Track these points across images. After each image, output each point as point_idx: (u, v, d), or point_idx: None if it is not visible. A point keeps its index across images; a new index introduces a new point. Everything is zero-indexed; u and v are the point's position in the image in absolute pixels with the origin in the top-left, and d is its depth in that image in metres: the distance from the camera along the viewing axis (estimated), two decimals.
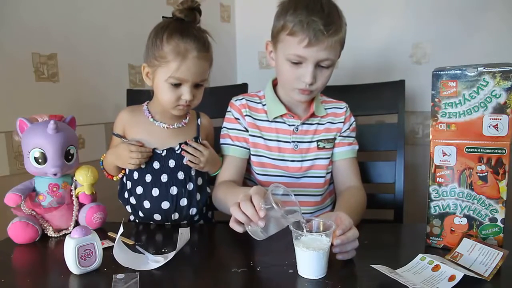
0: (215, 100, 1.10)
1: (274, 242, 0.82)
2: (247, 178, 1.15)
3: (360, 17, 1.54)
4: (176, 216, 1.04)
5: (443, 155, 0.83)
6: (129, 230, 1.00)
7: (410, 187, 1.34)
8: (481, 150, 0.79)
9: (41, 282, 0.74)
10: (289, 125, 1.08)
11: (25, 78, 1.21)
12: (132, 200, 1.05)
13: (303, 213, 0.76)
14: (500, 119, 0.77)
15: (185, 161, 1.02)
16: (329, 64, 0.97)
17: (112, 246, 0.76)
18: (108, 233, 0.94)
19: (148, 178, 1.02)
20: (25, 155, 0.94)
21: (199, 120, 1.11)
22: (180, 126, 1.06)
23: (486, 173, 0.79)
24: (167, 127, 1.04)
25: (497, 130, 0.78)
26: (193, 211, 1.06)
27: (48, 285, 0.74)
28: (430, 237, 0.86)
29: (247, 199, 0.74)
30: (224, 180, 1.07)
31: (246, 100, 1.10)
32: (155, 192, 1.02)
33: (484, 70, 0.78)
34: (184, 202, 1.04)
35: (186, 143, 1.03)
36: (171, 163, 1.02)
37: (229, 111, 1.12)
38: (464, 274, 0.66)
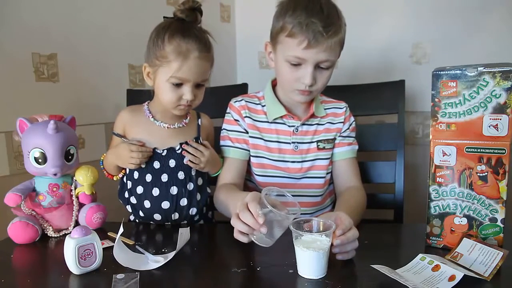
0: (215, 100, 1.10)
1: (274, 242, 0.82)
2: (247, 179, 1.15)
3: (360, 17, 1.55)
4: (176, 216, 1.04)
5: (443, 155, 0.83)
6: (129, 230, 1.00)
7: (410, 187, 1.34)
8: (481, 150, 0.79)
9: (41, 282, 0.74)
10: (289, 126, 1.08)
11: (25, 78, 1.21)
12: (133, 200, 1.05)
13: (303, 214, 0.76)
14: (500, 119, 0.77)
15: (185, 161, 1.02)
16: (328, 65, 0.97)
17: (112, 246, 0.76)
18: (108, 233, 0.94)
19: (149, 177, 1.02)
20: (25, 155, 0.94)
21: (199, 120, 1.11)
22: (181, 126, 1.06)
23: (486, 173, 0.79)
24: (167, 127, 1.04)
25: (497, 130, 0.78)
26: (193, 211, 1.06)
27: (48, 285, 0.74)
28: (430, 237, 0.86)
29: (244, 208, 0.74)
30: (225, 182, 1.07)
31: (246, 101, 1.10)
32: (155, 192, 1.02)
33: (484, 70, 0.78)
34: (184, 202, 1.04)
35: (186, 143, 1.03)
36: (172, 163, 1.02)
37: (229, 113, 1.12)
38: (464, 274, 0.66)
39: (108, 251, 0.78)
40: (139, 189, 1.03)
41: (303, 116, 1.08)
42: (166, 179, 1.02)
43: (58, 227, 0.97)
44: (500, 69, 0.77)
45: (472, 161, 0.80)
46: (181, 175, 1.03)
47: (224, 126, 1.12)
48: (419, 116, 1.61)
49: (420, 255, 0.74)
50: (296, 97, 1.02)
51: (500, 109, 0.77)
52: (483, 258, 0.74)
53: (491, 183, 0.79)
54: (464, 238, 0.80)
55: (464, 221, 0.82)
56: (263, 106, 1.10)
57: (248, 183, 1.15)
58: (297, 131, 1.08)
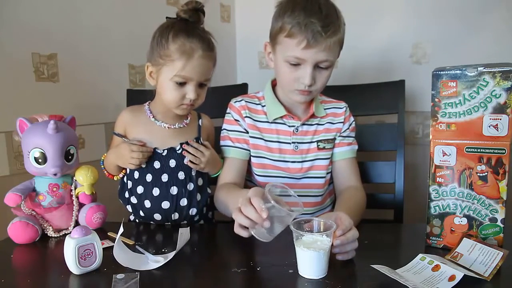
0: (215, 100, 1.10)
1: (274, 242, 0.82)
2: (247, 180, 1.15)
3: (360, 17, 1.55)
4: (176, 216, 1.04)
5: (443, 155, 0.83)
6: (129, 230, 1.00)
7: (410, 187, 1.34)
8: (481, 150, 0.79)
9: (41, 282, 0.74)
10: (289, 126, 1.08)
11: (25, 78, 1.21)
12: (133, 200, 1.05)
13: (303, 214, 0.76)
14: (500, 119, 0.77)
15: (185, 161, 1.02)
16: (328, 65, 0.97)
17: (112, 246, 0.76)
18: (108, 233, 0.94)
19: (149, 177, 1.02)
20: (25, 155, 0.94)
21: (200, 120, 1.11)
22: (181, 126, 1.06)
23: (486, 173, 0.79)
24: (168, 127, 1.04)
25: (497, 130, 0.78)
26: (193, 211, 1.06)
27: (48, 285, 0.74)
28: (430, 237, 0.86)
29: (247, 202, 0.74)
30: (225, 182, 1.07)
31: (246, 101, 1.10)
32: (156, 191, 1.02)
33: (484, 70, 0.78)
34: (184, 202, 1.04)
35: (187, 143, 1.03)
36: (172, 163, 1.02)
37: (229, 113, 1.12)
38: (464, 274, 0.66)
39: (108, 251, 0.78)
40: (139, 189, 1.03)
41: (303, 116, 1.08)
42: (166, 179, 1.02)
43: (58, 227, 0.97)
44: (500, 69, 0.77)
45: (472, 161, 0.80)
46: (181, 175, 1.03)
47: (224, 126, 1.12)
48: (419, 116, 1.61)
49: (420, 255, 0.74)
50: (296, 97, 1.02)
51: (500, 109, 0.77)
52: (483, 258, 0.74)
53: (491, 183, 0.79)
54: (464, 238, 0.80)
55: (464, 221, 0.82)
56: (263, 106, 1.10)
57: (248, 183, 1.15)
58: (297, 131, 1.08)
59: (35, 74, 1.23)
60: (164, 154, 1.02)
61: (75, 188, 1.00)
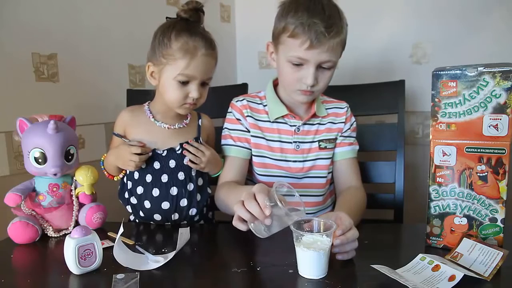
0: (215, 100, 1.10)
1: (274, 242, 0.82)
2: (248, 179, 1.15)
3: (360, 18, 1.54)
4: (176, 216, 1.04)
5: (443, 155, 0.83)
6: (129, 230, 1.00)
7: (410, 187, 1.34)
8: (481, 150, 0.79)
9: (41, 282, 0.74)
10: (290, 125, 1.08)
11: (25, 78, 1.21)
12: (133, 200, 1.05)
13: (306, 213, 0.76)
14: (500, 119, 0.77)
15: (185, 161, 1.02)
16: (330, 66, 0.97)
17: (112, 246, 0.76)
18: (108, 233, 0.94)
19: (149, 178, 1.02)
20: (25, 155, 0.94)
21: (200, 120, 1.11)
22: (181, 126, 1.06)
23: (486, 173, 0.79)
24: (168, 127, 1.04)
25: (497, 130, 0.78)
26: (193, 211, 1.06)
27: (48, 285, 0.74)
28: (430, 237, 0.86)
29: (251, 197, 0.74)
30: (226, 181, 1.07)
31: (247, 101, 1.10)
32: (155, 192, 1.02)
33: (484, 70, 0.78)
34: (184, 202, 1.04)
35: (187, 143, 1.03)
36: (172, 163, 1.02)
37: (230, 112, 1.12)
38: (464, 274, 0.66)
39: (108, 251, 0.78)
40: (139, 190, 1.03)
41: (304, 116, 1.08)
42: (166, 180, 1.02)
43: (58, 227, 0.97)
44: (500, 69, 0.77)
45: (472, 161, 0.80)
46: (181, 175, 1.03)
47: (226, 125, 1.12)
48: (419, 116, 1.61)
49: (420, 255, 0.74)
50: (298, 97, 1.02)
51: (500, 109, 0.77)
52: (483, 258, 0.74)
53: (491, 183, 0.79)
54: (464, 238, 0.80)
55: (464, 221, 0.82)
56: (264, 105, 1.10)
57: (249, 182, 1.15)
58: (298, 131, 1.08)
59: (35, 74, 1.23)
60: (163, 154, 1.02)
61: (75, 188, 1.00)
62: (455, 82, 0.80)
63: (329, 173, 1.11)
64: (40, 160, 0.93)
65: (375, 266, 0.68)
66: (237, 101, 1.11)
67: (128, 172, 1.06)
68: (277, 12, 1.00)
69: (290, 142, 1.08)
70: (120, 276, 0.71)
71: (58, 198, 0.97)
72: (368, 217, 1.11)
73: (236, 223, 0.79)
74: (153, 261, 0.77)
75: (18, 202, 0.92)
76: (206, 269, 0.77)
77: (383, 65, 1.60)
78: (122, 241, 0.80)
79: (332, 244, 0.73)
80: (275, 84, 1.11)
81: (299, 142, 1.08)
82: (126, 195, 1.07)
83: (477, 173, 0.80)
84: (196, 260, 0.82)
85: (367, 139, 1.27)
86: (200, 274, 0.76)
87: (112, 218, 1.03)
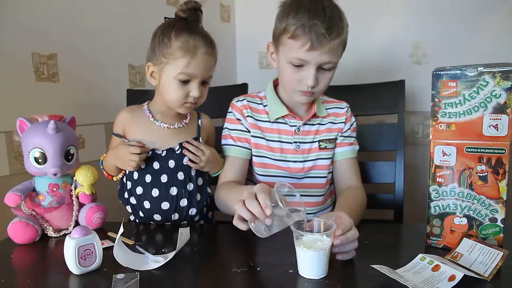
0: (215, 100, 1.10)
1: (274, 242, 0.82)
2: (248, 179, 1.15)
3: (360, 18, 1.54)
4: (176, 216, 1.04)
5: (443, 155, 0.83)
6: (129, 230, 1.00)
7: (410, 187, 1.34)
8: (481, 150, 0.79)
9: (41, 282, 0.74)
10: (290, 125, 1.08)
11: (25, 78, 1.21)
12: (133, 200, 1.05)
13: (306, 213, 0.76)
14: (500, 119, 0.77)
15: (185, 161, 1.02)
16: (331, 67, 0.97)
17: (112, 246, 0.76)
18: (108, 233, 0.94)
19: (148, 178, 1.02)
20: (25, 155, 0.94)
21: (199, 120, 1.11)
22: (181, 126, 1.06)
23: (486, 173, 0.79)
24: (167, 127, 1.04)
25: (497, 130, 0.78)
26: (193, 211, 1.06)
27: (48, 285, 0.74)
28: (430, 237, 0.86)
29: (252, 196, 0.74)
30: (226, 180, 1.07)
31: (247, 101, 1.10)
32: (155, 192, 1.02)
33: (484, 70, 0.78)
34: (184, 202, 1.04)
35: (188, 142, 1.02)
36: (171, 163, 1.02)
37: (230, 112, 1.12)
38: (464, 274, 0.66)
39: (108, 251, 0.78)
40: (139, 190, 1.03)
41: (305, 116, 1.08)
42: (166, 180, 1.02)
43: (58, 227, 0.97)
44: (500, 69, 0.77)
45: (472, 161, 0.80)
46: (180, 175, 1.03)
47: (226, 125, 1.12)
48: (419, 116, 1.61)
49: (420, 255, 0.74)
50: (298, 98, 1.02)
51: (500, 109, 0.77)
52: (483, 258, 0.74)
53: (491, 183, 0.79)
54: (464, 238, 0.80)
55: (464, 221, 0.82)
56: (265, 106, 1.10)
57: (249, 183, 1.15)
58: (298, 131, 1.08)
59: (35, 74, 1.23)
60: (163, 154, 1.02)
61: (75, 188, 1.00)
62: (455, 82, 0.80)
63: (329, 173, 1.11)
64: (40, 160, 0.93)
65: (375, 266, 0.68)
66: (237, 101, 1.11)
67: (127, 172, 1.05)
68: (278, 12, 1.00)
69: (290, 143, 1.08)
70: (120, 276, 0.71)
71: (58, 198, 0.97)
72: (368, 217, 1.11)
73: (236, 222, 0.79)
74: (153, 261, 0.77)
75: (18, 202, 0.92)
76: (206, 269, 0.77)
77: (383, 65, 1.60)
78: (122, 241, 0.80)
79: (332, 244, 0.73)
80: (275, 84, 1.11)
81: (299, 142, 1.08)
82: (126, 195, 1.07)
83: (477, 173, 0.80)
84: (196, 260, 0.82)
85: (367, 139, 1.27)
86: (200, 274, 0.76)
87: (112, 218, 1.03)
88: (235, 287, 0.71)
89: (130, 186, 1.05)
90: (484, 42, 1.47)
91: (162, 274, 0.74)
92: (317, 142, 1.09)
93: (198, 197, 1.06)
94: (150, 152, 1.01)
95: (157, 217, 1.03)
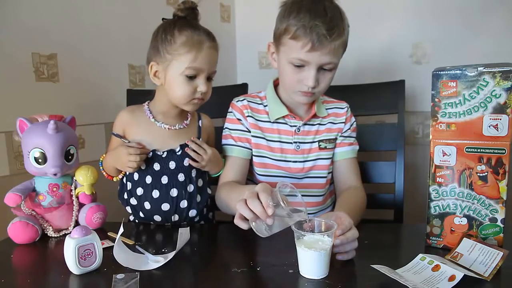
0: (215, 100, 1.10)
1: (274, 242, 0.82)
2: (248, 179, 1.15)
3: (360, 18, 1.53)
4: (176, 217, 1.04)
5: (443, 155, 0.83)
6: (129, 230, 1.00)
7: (410, 187, 1.34)
8: (481, 150, 0.79)
9: (41, 282, 0.74)
10: (290, 126, 1.08)
11: (25, 78, 1.21)
12: (133, 201, 1.05)
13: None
14: (500, 119, 0.77)
15: (186, 163, 1.02)
16: (331, 67, 0.97)
17: (112, 246, 0.76)
18: (108, 233, 0.94)
19: (148, 179, 1.02)
20: (25, 155, 0.94)
21: (200, 121, 1.11)
22: (182, 127, 1.06)
23: (486, 173, 0.79)
24: (168, 128, 1.04)
25: (497, 130, 0.78)
26: (192, 212, 1.06)
27: (48, 285, 0.74)
28: (430, 237, 0.86)
29: (254, 196, 0.74)
30: (227, 180, 1.07)
31: (248, 101, 1.10)
32: (155, 193, 1.02)
33: (484, 70, 0.78)
34: (184, 204, 1.04)
35: (190, 140, 1.02)
36: (172, 164, 1.02)
37: (231, 112, 1.12)
38: (464, 274, 0.66)
39: (108, 251, 0.78)
40: (139, 191, 1.03)
41: (305, 116, 1.08)
42: (166, 181, 1.02)
43: (58, 227, 0.97)
44: (500, 69, 0.77)
45: (472, 161, 0.80)
46: (181, 177, 1.03)
47: (226, 125, 1.12)
48: (419, 116, 1.61)
49: (420, 255, 0.74)
50: (299, 98, 1.02)
51: (500, 109, 0.77)
52: (483, 258, 0.74)
53: (491, 183, 0.79)
54: (464, 238, 0.80)
55: (464, 221, 0.82)
56: (265, 106, 1.10)
57: (249, 183, 1.15)
58: (299, 131, 1.08)
59: (35, 74, 1.23)
60: (163, 156, 1.02)
61: (75, 188, 1.00)
62: (455, 82, 0.80)
63: (329, 173, 1.11)
64: (40, 160, 0.93)
65: (375, 266, 0.68)
66: (237, 101, 1.11)
67: (127, 173, 1.05)
68: (279, 12, 0.99)
69: (291, 143, 1.08)
70: (120, 276, 0.71)
71: (58, 198, 0.97)
72: (368, 217, 1.11)
73: (237, 221, 0.78)
74: (153, 261, 0.77)
75: (18, 202, 0.92)
76: (206, 269, 0.77)
77: (383, 65, 1.60)
78: (122, 241, 0.80)
79: (333, 244, 0.73)
80: (276, 84, 1.11)
81: (299, 142, 1.08)
82: (126, 196, 1.07)
83: (477, 173, 0.80)
84: (196, 260, 0.82)
85: (367, 139, 1.27)
86: (200, 274, 0.76)
87: (112, 218, 1.03)
88: (235, 287, 0.71)
89: (130, 187, 1.05)
90: (484, 42, 1.47)
91: (162, 274, 0.74)
92: (317, 142, 1.09)
93: (198, 198, 1.06)
94: (151, 153, 1.01)
95: (157, 217, 1.03)
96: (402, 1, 1.57)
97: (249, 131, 1.09)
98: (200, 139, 1.08)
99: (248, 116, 1.08)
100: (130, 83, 1.50)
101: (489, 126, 0.78)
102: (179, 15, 1.00)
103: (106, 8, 1.40)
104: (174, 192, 1.03)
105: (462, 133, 0.81)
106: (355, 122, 1.14)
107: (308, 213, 1.07)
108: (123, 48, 1.46)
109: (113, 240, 0.80)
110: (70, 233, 0.77)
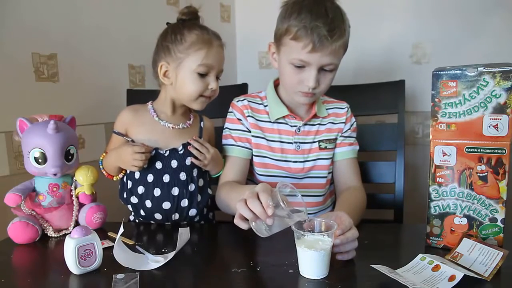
0: (215, 100, 1.10)
1: (274, 242, 0.82)
2: (248, 179, 1.15)
3: (360, 18, 1.53)
4: (176, 216, 1.04)
5: (443, 155, 0.83)
6: (129, 230, 1.00)
7: (410, 187, 1.34)
8: (481, 150, 0.79)
9: (41, 282, 0.74)
10: (291, 126, 1.08)
11: (25, 78, 1.21)
12: (134, 200, 1.05)
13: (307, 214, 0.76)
14: (500, 119, 0.77)
15: (188, 161, 1.02)
16: (332, 68, 0.97)
17: (112, 246, 0.76)
18: (108, 233, 0.94)
19: (150, 178, 1.02)
20: (25, 155, 0.94)
21: (202, 123, 1.12)
22: (185, 127, 1.07)
23: (486, 173, 0.79)
24: (172, 127, 1.05)
25: (497, 130, 0.78)
26: (193, 212, 1.06)
27: (48, 285, 0.74)
28: (430, 237, 0.86)
29: (254, 196, 0.73)
30: (227, 180, 1.07)
31: (248, 101, 1.10)
32: (157, 192, 1.02)
33: (484, 70, 0.78)
34: (185, 203, 1.04)
35: (193, 139, 1.03)
36: (174, 163, 1.02)
37: (231, 112, 1.12)
38: (464, 274, 0.66)
39: (108, 251, 0.78)
40: (140, 189, 1.04)
41: (305, 116, 1.08)
42: (168, 180, 1.02)
43: (58, 227, 0.97)
44: (500, 69, 0.77)
45: (472, 161, 0.80)
46: (182, 176, 1.03)
47: (227, 125, 1.12)
48: (419, 116, 1.61)
49: (420, 255, 0.74)
50: (299, 99, 1.02)
51: (500, 109, 0.77)
52: (483, 258, 0.74)
53: (491, 183, 0.79)
54: (464, 238, 0.80)
55: (464, 221, 0.82)
56: (265, 106, 1.10)
57: (249, 183, 1.15)
58: (299, 131, 1.08)
59: (35, 74, 1.23)
60: (166, 154, 1.02)
61: (75, 188, 1.00)
62: (455, 82, 0.81)
63: (329, 173, 1.11)
64: (40, 160, 0.93)
65: (375, 266, 0.68)
66: (238, 101, 1.11)
67: (128, 172, 1.05)
68: (280, 12, 0.99)
69: (291, 143, 1.08)
70: (120, 276, 0.71)
71: (58, 198, 0.97)
72: (368, 217, 1.11)
73: (237, 221, 0.78)
74: (153, 261, 0.77)
75: (18, 202, 0.92)
76: (206, 269, 0.78)
77: (383, 65, 1.60)
78: (122, 241, 0.80)
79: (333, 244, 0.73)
80: (276, 84, 1.11)
81: (300, 142, 1.08)
82: (126, 195, 1.07)
83: (477, 173, 0.80)
84: (196, 260, 0.82)
85: (367, 139, 1.27)
86: (200, 274, 0.76)
87: (112, 218, 1.03)
88: (235, 287, 0.71)
89: (130, 186, 1.05)
90: (484, 42, 1.47)
91: (162, 274, 0.74)
92: (317, 142, 1.09)
93: (199, 198, 1.06)
94: (154, 151, 1.02)
95: (157, 216, 1.04)
96: (402, 1, 1.57)
97: (249, 131, 1.09)
98: (202, 139, 1.08)
99: (249, 116, 1.08)
100: (130, 83, 1.50)
101: (489, 126, 0.78)
102: (184, 19, 1.03)
103: (106, 8, 1.40)
104: (175, 191, 1.03)
105: (462, 133, 0.81)
106: (355, 122, 1.14)
107: (308, 213, 1.07)
108: (123, 48, 1.46)
109: (113, 240, 0.80)
110: (70, 233, 0.77)
